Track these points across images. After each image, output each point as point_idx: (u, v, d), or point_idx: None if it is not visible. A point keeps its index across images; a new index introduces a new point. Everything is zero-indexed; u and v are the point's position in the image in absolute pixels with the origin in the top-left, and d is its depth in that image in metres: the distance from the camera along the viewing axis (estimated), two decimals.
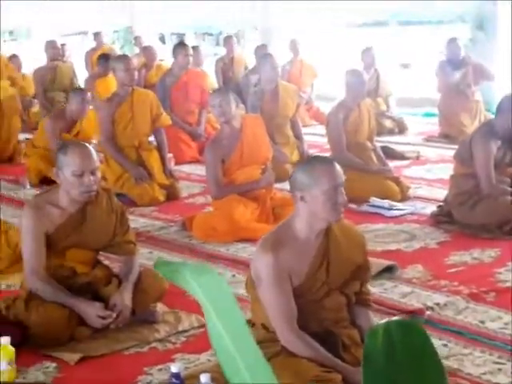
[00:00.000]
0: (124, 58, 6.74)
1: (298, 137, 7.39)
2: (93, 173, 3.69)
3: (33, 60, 11.82)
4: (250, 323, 3.20)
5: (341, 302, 3.15)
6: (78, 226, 3.77)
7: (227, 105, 5.33)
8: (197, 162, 7.70)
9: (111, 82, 8.51)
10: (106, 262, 4.25)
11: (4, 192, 6.77)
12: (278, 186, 5.85)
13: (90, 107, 7.10)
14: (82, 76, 11.95)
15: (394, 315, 3.83)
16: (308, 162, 3.19)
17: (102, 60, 9.43)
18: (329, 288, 3.11)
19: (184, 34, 18.49)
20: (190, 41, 17.11)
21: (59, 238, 3.74)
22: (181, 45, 8.38)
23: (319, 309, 3.10)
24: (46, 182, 6.58)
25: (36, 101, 10.13)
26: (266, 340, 3.08)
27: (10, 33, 18.54)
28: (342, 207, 3.05)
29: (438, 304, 3.94)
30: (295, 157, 7.14)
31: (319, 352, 2.96)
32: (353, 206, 5.80)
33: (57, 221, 3.73)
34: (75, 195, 3.70)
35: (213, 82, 10.44)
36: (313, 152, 7.80)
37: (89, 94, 7.17)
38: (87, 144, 3.83)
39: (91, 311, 3.59)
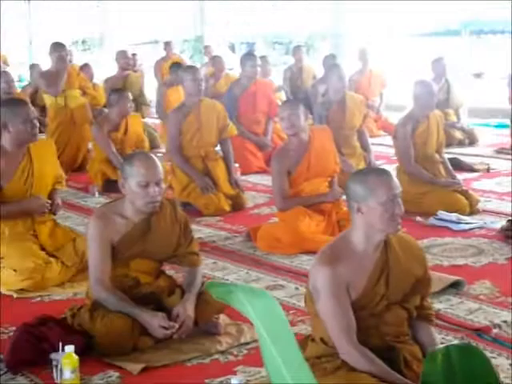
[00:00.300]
0: (191, 68, 6.81)
1: (365, 148, 7.33)
2: (158, 184, 3.72)
3: (105, 69, 12.04)
4: (310, 338, 3.17)
5: (401, 316, 3.10)
6: (143, 236, 3.80)
7: (296, 118, 5.30)
8: (263, 172, 7.71)
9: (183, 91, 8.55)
10: (172, 272, 4.29)
11: (73, 200, 6.89)
12: (344, 197, 5.78)
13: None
14: (152, 85, 12.13)
15: (460, 332, 3.75)
16: (364, 172, 3.16)
17: (174, 69, 9.46)
18: (388, 302, 3.05)
19: (254, 43, 18.58)
20: (260, 50, 17.20)
21: (124, 247, 3.78)
22: (248, 55, 8.41)
23: (379, 323, 3.05)
24: (110, 185, 6.67)
25: (106, 110, 10.28)
26: (326, 354, 3.05)
27: (83, 42, 18.94)
28: (399, 219, 3.01)
29: (505, 322, 3.85)
30: (362, 168, 7.05)
31: (379, 366, 2.91)
32: (420, 219, 5.72)
33: (122, 231, 3.77)
34: (140, 206, 3.73)
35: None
36: (380, 163, 7.73)
37: (129, 93, 7.37)
38: (153, 155, 3.86)
39: (154, 321, 3.61)
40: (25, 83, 13.28)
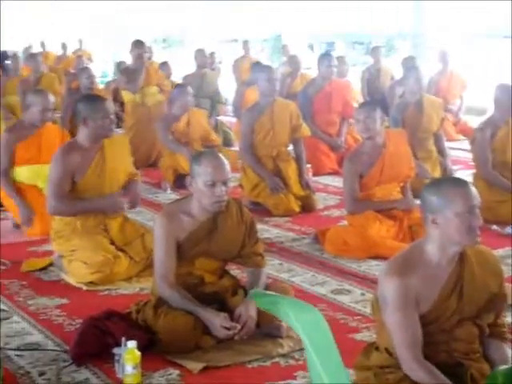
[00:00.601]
0: (267, 68, 6.81)
1: (442, 152, 7.18)
2: (224, 183, 3.72)
3: (184, 67, 12.16)
4: (374, 346, 3.11)
5: (473, 333, 2.98)
6: (208, 235, 3.80)
7: (372, 122, 5.23)
8: (335, 173, 7.64)
9: None
10: (237, 272, 4.28)
11: (146, 195, 6.97)
12: (417, 202, 5.68)
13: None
14: (230, 83, 12.20)
15: None
16: (440, 182, 3.02)
17: (255, 69, 9.42)
18: (460, 317, 2.95)
19: (333, 43, 18.47)
20: (340, 49, 17.08)
21: (189, 246, 3.79)
22: (325, 55, 8.36)
23: (449, 339, 2.95)
24: (182, 180, 6.71)
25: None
26: (390, 365, 2.98)
27: (164, 40, 19.17)
28: (477, 231, 2.90)
29: None
30: (437, 173, 6.93)
31: (443, 383, 2.82)
32: (496, 227, 5.57)
33: (188, 229, 3.78)
34: (206, 205, 3.74)
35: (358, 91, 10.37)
36: (457, 168, 7.57)
37: (189, 88, 7.47)
38: (221, 154, 3.86)
39: (216, 321, 3.61)
40: (108, 79, 13.53)
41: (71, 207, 4.79)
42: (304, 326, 1.24)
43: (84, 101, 4.92)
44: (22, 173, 5.82)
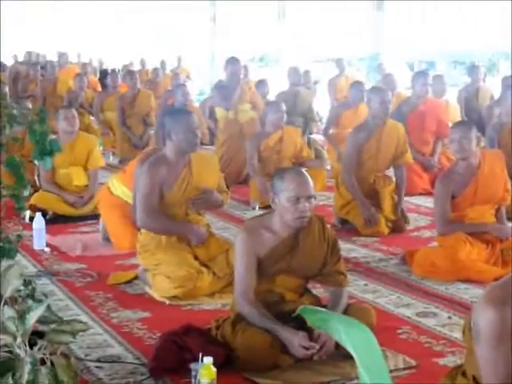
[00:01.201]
0: (380, 90, 6.59)
1: None
2: (308, 199, 3.67)
3: (280, 86, 12.19)
4: (461, 371, 2.96)
5: None
6: (290, 252, 3.75)
7: (468, 142, 5.06)
8: (427, 193, 7.45)
9: (362, 111, 8.17)
10: (320, 291, 4.20)
11: (234, 212, 6.97)
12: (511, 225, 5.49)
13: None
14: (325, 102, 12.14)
15: None
16: None
17: (355, 89, 9.20)
18: None
19: (434, 62, 18.20)
20: (441, 69, 16.79)
21: (270, 262, 3.74)
22: (420, 73, 8.23)
23: None
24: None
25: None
26: None
27: (261, 59, 19.31)
28: None
29: None
30: None
31: None
32: None
33: (269, 245, 3.73)
34: (288, 220, 3.69)
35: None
36: None
37: (282, 105, 7.37)
38: (304, 171, 3.81)
39: (295, 340, 3.53)
40: (205, 97, 13.69)
41: (159, 224, 4.80)
42: (354, 343, 1.18)
43: (168, 114, 4.95)
44: (120, 187, 5.92)
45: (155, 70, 14.66)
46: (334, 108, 10.17)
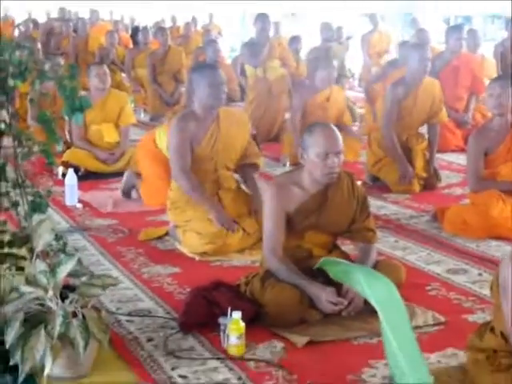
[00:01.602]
0: (420, 47, 6.47)
1: None
2: (337, 155, 3.65)
3: (312, 41, 12.08)
4: (489, 327, 2.95)
5: None
6: (318, 208, 3.74)
7: (506, 98, 4.99)
8: (461, 150, 7.37)
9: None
10: (350, 247, 4.19)
11: (264, 169, 6.95)
12: None
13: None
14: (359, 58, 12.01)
15: None
16: None
17: (402, 48, 9.01)
18: None
19: (471, 17, 17.87)
20: (478, 24, 16.49)
21: (299, 218, 3.74)
22: (454, 28, 8.11)
23: None
24: None
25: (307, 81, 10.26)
26: (503, 350, 2.81)
27: (293, 14, 19.12)
28: None
29: None
30: None
31: None
32: None
33: (298, 201, 3.73)
34: (317, 176, 3.68)
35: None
36: None
37: (334, 62, 7.16)
38: (333, 126, 3.78)
39: (323, 295, 3.54)
40: (236, 54, 13.60)
41: (192, 187, 4.74)
42: (376, 295, 1.18)
43: (193, 70, 4.93)
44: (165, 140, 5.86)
45: (187, 24, 14.54)
46: (381, 66, 9.96)
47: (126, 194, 6.07)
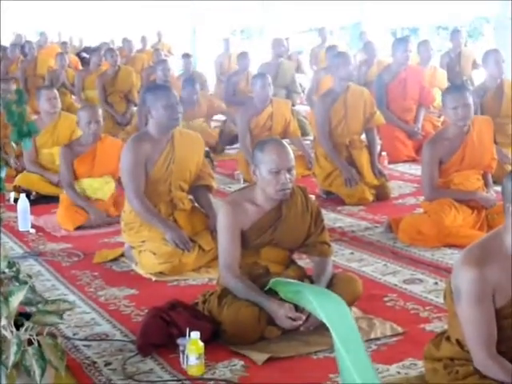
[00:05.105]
0: (343, 54, 6.66)
1: None
2: (289, 171, 3.66)
3: (263, 57, 12.14)
4: (445, 336, 2.98)
5: None
6: (273, 224, 3.74)
7: (470, 108, 5.02)
8: (412, 161, 7.47)
9: None
10: (306, 261, 4.21)
11: (219, 186, 6.95)
12: (496, 188, 5.50)
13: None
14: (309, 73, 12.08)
15: None
16: None
17: (331, 53, 9.25)
18: None
19: (417, 29, 18.12)
20: (424, 35, 16.71)
21: (254, 235, 3.74)
22: (400, 40, 8.18)
23: None
24: None
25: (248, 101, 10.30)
26: (460, 358, 2.85)
27: (242, 31, 19.19)
28: None
29: None
30: None
31: None
32: None
33: (253, 218, 3.73)
34: (271, 193, 3.68)
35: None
36: None
37: (269, 77, 7.15)
38: (284, 142, 3.80)
39: (281, 311, 3.54)
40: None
41: (145, 210, 4.70)
42: (327, 314, 1.19)
43: (148, 91, 4.92)
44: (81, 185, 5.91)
45: (127, 43, 14.28)
46: (314, 77, 10.14)
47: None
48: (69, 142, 6.23)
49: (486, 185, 5.30)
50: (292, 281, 1.41)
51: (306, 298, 1.19)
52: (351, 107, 6.36)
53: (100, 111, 6.03)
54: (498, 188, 5.44)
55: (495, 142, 6.14)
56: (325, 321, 1.20)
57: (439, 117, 8.25)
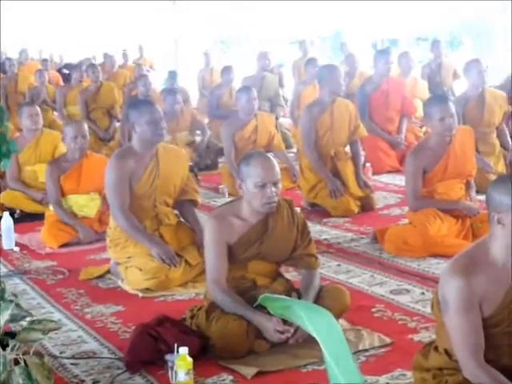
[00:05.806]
0: (334, 67, 6.62)
1: (505, 146, 6.98)
2: (275, 184, 3.66)
3: (244, 69, 12.16)
4: (433, 346, 2.98)
5: None
6: (260, 238, 3.74)
7: (455, 119, 5.06)
8: (396, 171, 7.50)
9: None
10: (294, 274, 4.20)
11: (204, 200, 6.94)
12: (479, 197, 5.52)
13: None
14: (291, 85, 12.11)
15: None
16: (507, 181, 2.74)
17: (310, 66, 9.33)
18: None
19: (397, 40, 18.23)
20: (404, 47, 16.81)
21: (241, 249, 3.73)
22: (381, 52, 8.23)
23: None
24: None
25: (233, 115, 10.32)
26: (449, 367, 2.85)
27: (222, 42, 19.23)
28: None
29: None
30: (501, 167, 6.74)
31: None
32: None
33: (239, 232, 3.72)
34: (257, 206, 3.67)
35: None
36: None
37: (254, 91, 7.12)
38: (270, 155, 3.80)
39: (269, 325, 3.53)
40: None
41: (130, 226, 4.68)
42: (317, 329, 1.19)
43: (131, 107, 4.91)
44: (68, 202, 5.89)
45: (109, 59, 14.27)
46: (295, 89, 10.19)
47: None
48: (55, 159, 6.20)
49: (469, 191, 5.32)
50: (281, 296, 1.41)
51: (295, 313, 1.18)
52: (337, 119, 6.37)
53: (86, 126, 6.02)
54: (482, 197, 5.54)
55: (478, 151, 6.19)
56: (314, 335, 1.20)
57: (421, 127, 8.30)
